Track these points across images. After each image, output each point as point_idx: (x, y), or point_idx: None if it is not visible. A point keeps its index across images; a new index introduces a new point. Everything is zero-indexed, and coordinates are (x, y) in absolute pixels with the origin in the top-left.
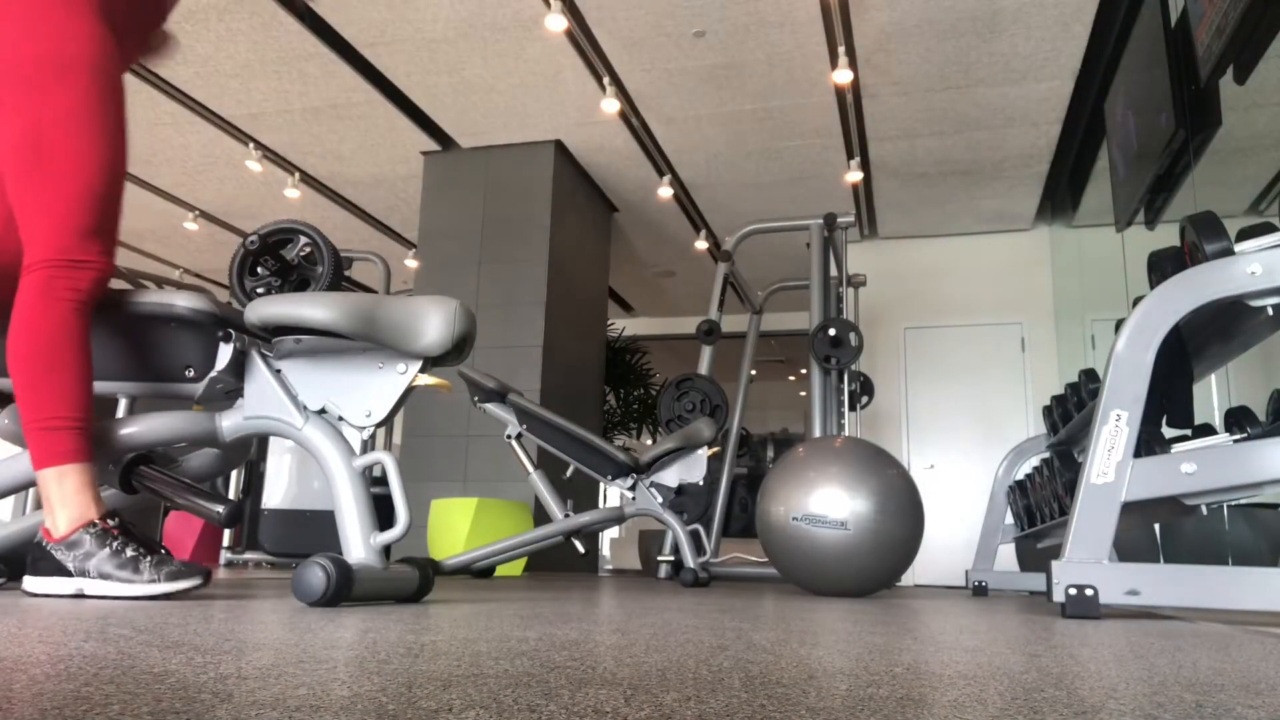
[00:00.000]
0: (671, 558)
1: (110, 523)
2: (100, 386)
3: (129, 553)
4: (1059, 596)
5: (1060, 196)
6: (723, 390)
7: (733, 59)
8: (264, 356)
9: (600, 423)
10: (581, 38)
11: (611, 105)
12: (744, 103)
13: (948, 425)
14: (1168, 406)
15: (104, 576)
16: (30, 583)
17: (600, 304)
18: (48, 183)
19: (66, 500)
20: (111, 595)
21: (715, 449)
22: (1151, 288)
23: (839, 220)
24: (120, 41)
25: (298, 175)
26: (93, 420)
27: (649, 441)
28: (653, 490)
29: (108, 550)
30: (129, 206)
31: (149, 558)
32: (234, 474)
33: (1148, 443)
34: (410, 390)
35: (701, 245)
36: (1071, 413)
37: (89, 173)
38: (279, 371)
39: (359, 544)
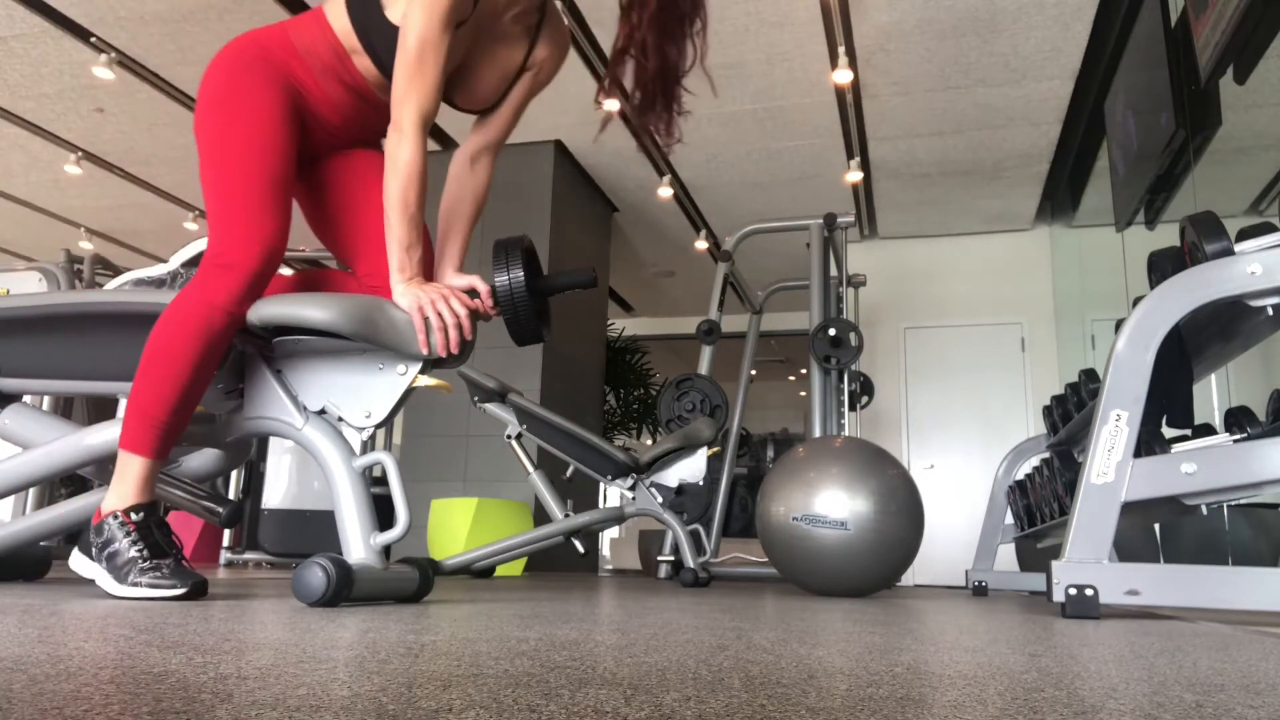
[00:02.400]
0: (671, 558)
1: (134, 518)
2: (100, 387)
3: (131, 552)
4: (1059, 596)
5: (1060, 196)
6: (723, 390)
7: (733, 59)
8: (264, 357)
9: (600, 423)
10: (581, 37)
11: (611, 104)
12: (744, 103)
13: (948, 425)
14: (1168, 406)
15: (105, 567)
16: (73, 557)
17: (600, 304)
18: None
19: (118, 485)
20: (101, 588)
21: (715, 449)
22: (1151, 288)
23: (839, 220)
24: None
25: None
26: (182, 423)
27: (649, 441)
28: (653, 490)
29: (117, 543)
30: (129, 206)
31: (148, 561)
32: (234, 474)
33: (1148, 443)
34: (410, 391)
35: (701, 245)
36: (1071, 413)
37: None
38: (279, 372)
39: (359, 544)
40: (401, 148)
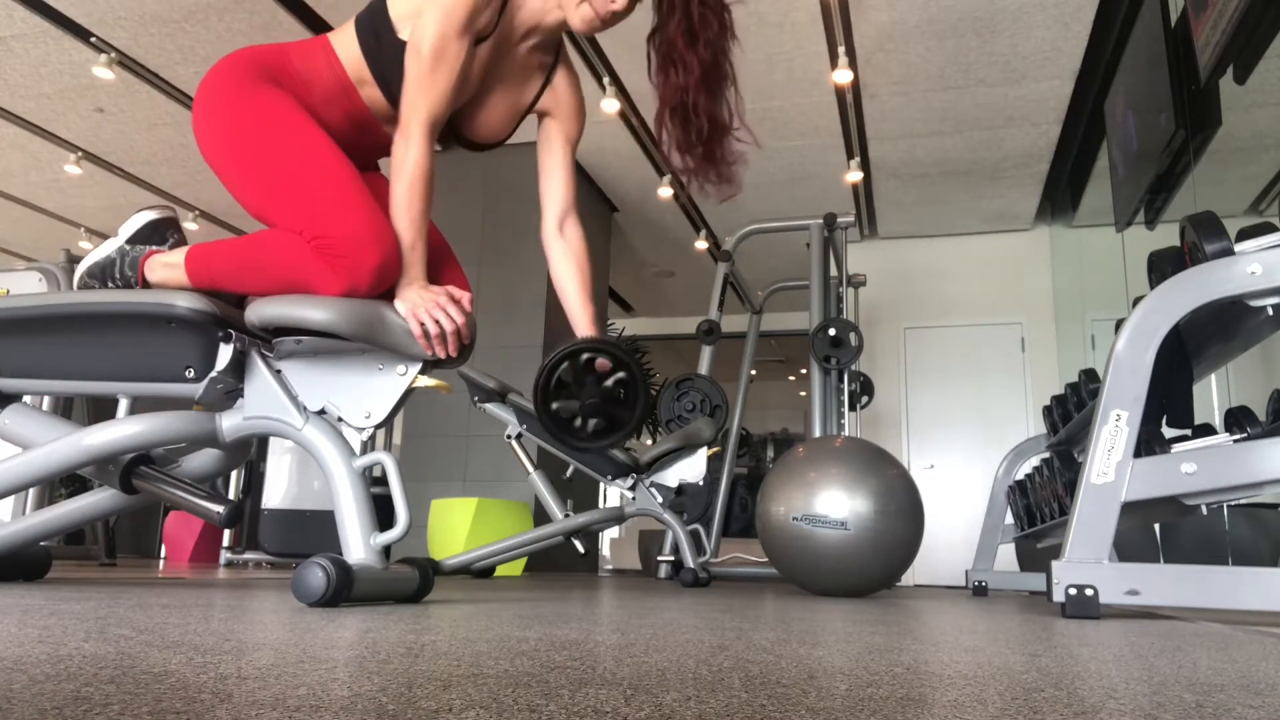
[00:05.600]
0: (671, 558)
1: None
2: (100, 387)
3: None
4: (1059, 596)
5: (1060, 196)
6: (723, 390)
7: (733, 59)
8: (264, 357)
9: None
10: (582, 37)
11: (611, 105)
12: (744, 102)
13: (948, 425)
14: (1168, 406)
15: None
16: None
17: (600, 304)
18: None
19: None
20: None
21: (715, 449)
22: (1151, 288)
23: (839, 220)
24: None
25: None
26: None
27: (649, 441)
28: (653, 490)
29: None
30: (129, 206)
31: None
32: (234, 474)
33: (1148, 443)
34: (410, 391)
35: (701, 245)
36: (1071, 413)
37: None
38: (279, 372)
39: (359, 544)
40: (409, 150)
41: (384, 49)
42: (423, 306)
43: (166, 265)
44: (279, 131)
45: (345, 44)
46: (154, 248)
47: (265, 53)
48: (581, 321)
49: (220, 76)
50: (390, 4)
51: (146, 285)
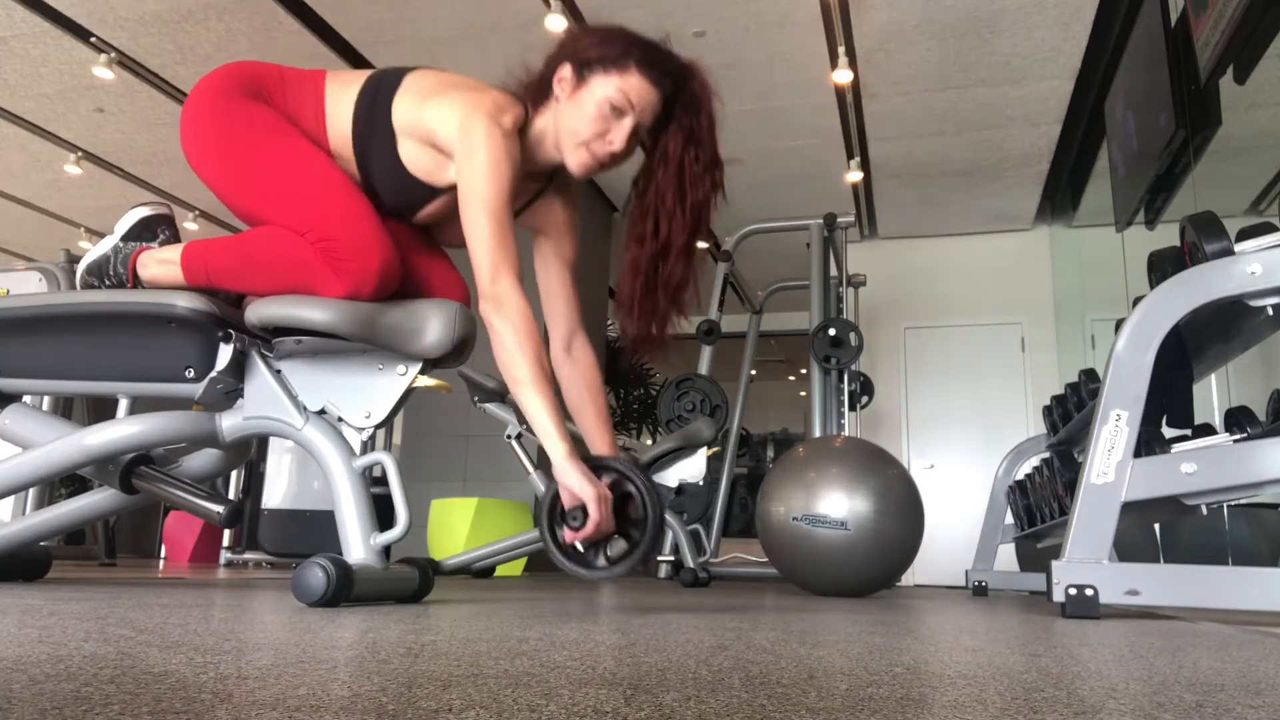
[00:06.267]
0: (671, 558)
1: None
2: (100, 387)
3: None
4: (1059, 596)
5: (1060, 196)
6: (723, 390)
7: (733, 59)
8: (264, 357)
9: None
10: None
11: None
12: (744, 103)
13: (948, 425)
14: (1168, 406)
15: None
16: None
17: (600, 304)
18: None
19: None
20: None
21: (715, 449)
22: (1151, 288)
23: (839, 220)
24: None
25: None
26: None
27: (649, 441)
28: None
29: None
30: (129, 206)
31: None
32: (234, 474)
33: (1148, 443)
34: (410, 391)
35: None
36: (1071, 413)
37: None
38: (279, 372)
39: (359, 544)
40: (515, 315)
41: (374, 144)
42: (595, 496)
43: (160, 262)
44: (274, 139)
45: (338, 111)
46: (144, 244)
47: (257, 70)
48: (601, 446)
49: (210, 86)
50: (396, 103)
51: (137, 282)
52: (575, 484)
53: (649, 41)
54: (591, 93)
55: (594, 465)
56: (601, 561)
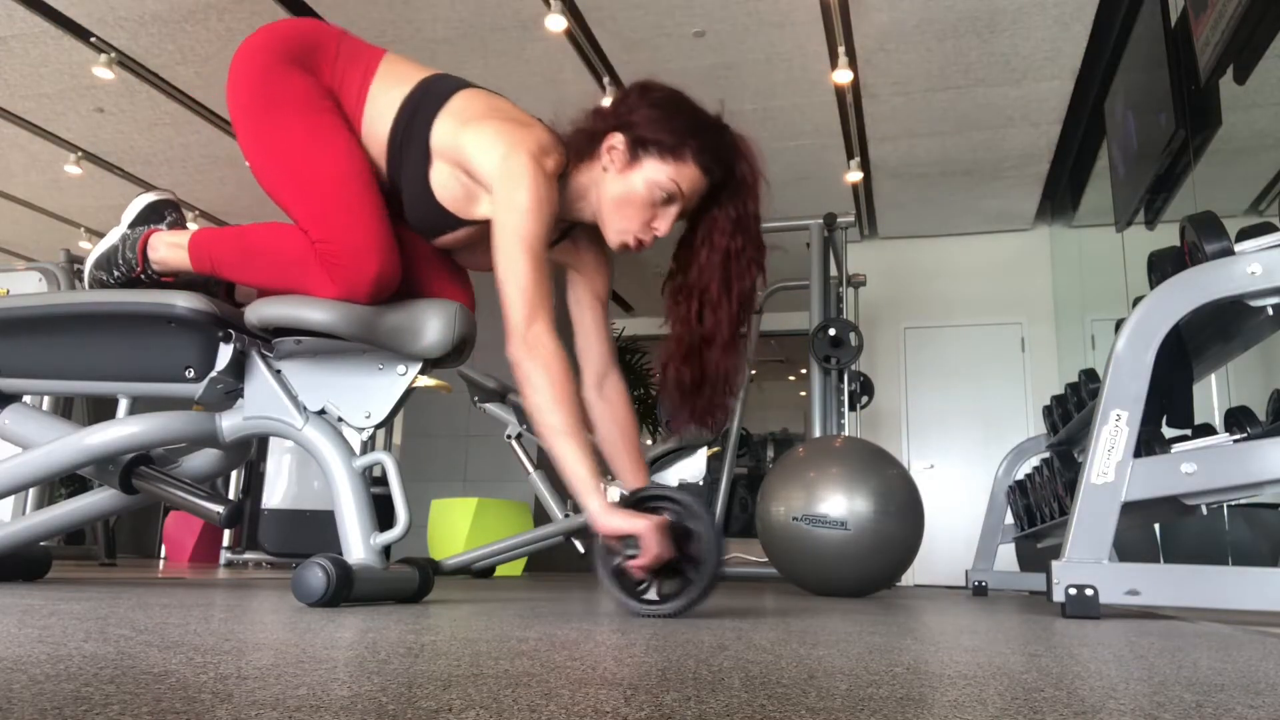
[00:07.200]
0: None
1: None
2: (100, 387)
3: None
4: (1059, 596)
5: (1060, 196)
6: None
7: (733, 59)
8: (264, 357)
9: None
10: (581, 38)
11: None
12: (744, 103)
13: (948, 425)
14: (1168, 406)
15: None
16: None
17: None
18: None
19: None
20: None
21: (715, 449)
22: (1151, 288)
23: (839, 220)
24: None
25: None
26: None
27: (649, 441)
28: None
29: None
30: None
31: None
32: (234, 474)
33: (1148, 443)
34: (410, 391)
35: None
36: (1071, 413)
37: None
38: (279, 372)
39: (359, 544)
40: (551, 360)
41: (408, 158)
42: (647, 533)
43: (170, 245)
44: (304, 118)
45: (379, 112)
46: (153, 226)
47: (320, 35)
48: (637, 478)
49: (265, 42)
50: (437, 123)
51: (147, 262)
52: (621, 526)
53: (707, 126)
54: (644, 174)
55: (649, 497)
56: (653, 595)
